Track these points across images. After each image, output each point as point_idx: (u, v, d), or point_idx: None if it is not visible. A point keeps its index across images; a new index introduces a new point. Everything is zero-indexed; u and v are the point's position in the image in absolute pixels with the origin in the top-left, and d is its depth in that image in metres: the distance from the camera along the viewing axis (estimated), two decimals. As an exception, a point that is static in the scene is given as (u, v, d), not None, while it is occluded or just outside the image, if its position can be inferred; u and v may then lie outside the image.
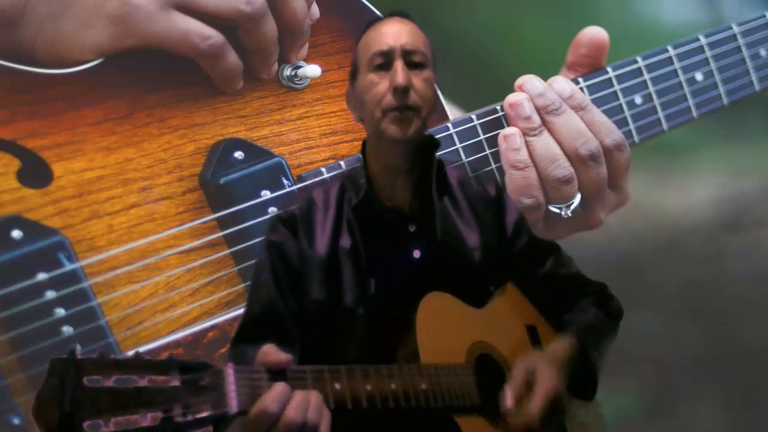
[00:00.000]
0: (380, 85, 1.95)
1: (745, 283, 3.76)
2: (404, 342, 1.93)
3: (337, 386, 1.82)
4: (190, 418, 1.69)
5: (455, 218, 2.05)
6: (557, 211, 2.69)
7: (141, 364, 1.69)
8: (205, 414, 1.70)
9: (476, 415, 1.96)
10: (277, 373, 1.78)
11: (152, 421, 1.66)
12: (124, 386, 1.66)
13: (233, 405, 1.72)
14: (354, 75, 2.02)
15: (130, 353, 1.73)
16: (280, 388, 1.77)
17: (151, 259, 2.39)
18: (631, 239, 3.64)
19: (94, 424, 1.63)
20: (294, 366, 1.81)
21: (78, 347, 1.67)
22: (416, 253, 2.00)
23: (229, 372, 1.74)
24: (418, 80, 1.95)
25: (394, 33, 1.98)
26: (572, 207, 2.70)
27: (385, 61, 1.96)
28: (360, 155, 2.03)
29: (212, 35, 2.44)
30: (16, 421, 2.26)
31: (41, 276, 2.29)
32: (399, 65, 1.95)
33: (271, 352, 1.81)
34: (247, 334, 1.97)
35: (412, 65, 1.96)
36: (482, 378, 1.97)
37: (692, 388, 3.76)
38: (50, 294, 2.29)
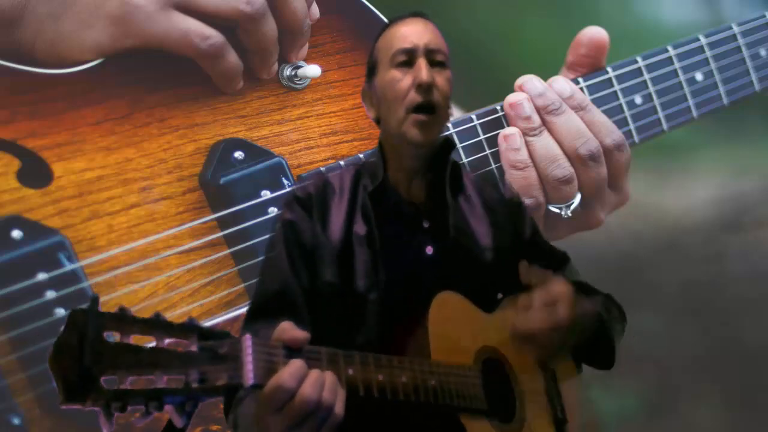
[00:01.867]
0: (403, 82, 1.96)
1: (745, 283, 3.76)
2: (416, 336, 1.93)
3: (351, 371, 1.82)
4: (205, 385, 1.68)
5: (469, 219, 2.05)
6: (557, 211, 2.70)
7: (161, 325, 1.67)
8: (220, 383, 1.69)
9: (481, 417, 1.96)
10: (293, 351, 1.78)
11: (168, 383, 1.65)
12: (143, 346, 1.64)
13: (249, 377, 1.72)
14: (372, 73, 2.02)
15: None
16: (297, 364, 1.76)
17: (151, 259, 2.39)
18: (631, 239, 3.63)
19: (111, 379, 1.61)
20: (309, 346, 1.81)
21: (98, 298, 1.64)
22: (429, 249, 2.01)
23: (247, 344, 1.73)
24: (440, 78, 1.97)
25: (418, 32, 1.99)
26: (572, 207, 2.70)
27: (408, 59, 1.97)
28: (377, 149, 2.04)
29: (212, 35, 2.44)
30: (16, 421, 2.26)
31: (41, 276, 2.29)
32: (423, 63, 1.96)
33: (288, 329, 1.80)
34: (261, 313, 1.96)
35: (434, 64, 1.97)
36: (488, 382, 1.98)
37: (692, 388, 3.76)
38: (50, 294, 2.29)
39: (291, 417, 1.75)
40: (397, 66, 1.97)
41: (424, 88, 1.94)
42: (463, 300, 2.00)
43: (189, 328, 1.69)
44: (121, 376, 1.62)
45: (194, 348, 1.69)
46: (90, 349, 1.59)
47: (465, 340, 2.00)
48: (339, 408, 1.78)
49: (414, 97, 1.95)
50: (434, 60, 1.97)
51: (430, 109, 1.95)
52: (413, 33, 1.98)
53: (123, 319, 1.64)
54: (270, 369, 1.74)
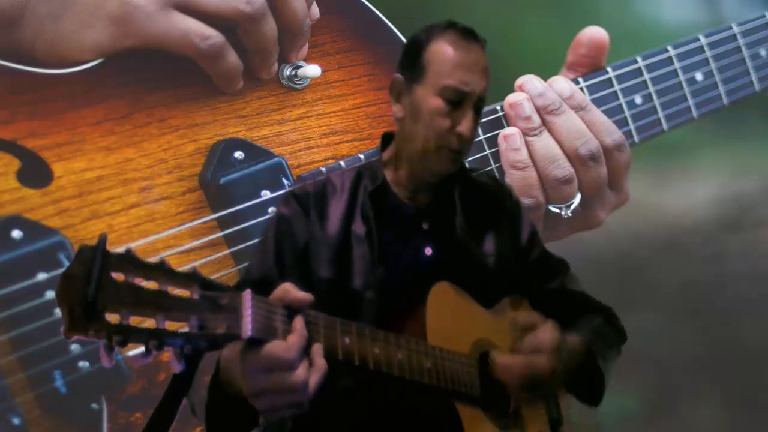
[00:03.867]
0: (445, 121, 1.94)
1: (745, 283, 3.76)
2: (413, 322, 1.94)
3: (347, 341, 1.83)
4: (204, 332, 1.70)
5: (472, 222, 2.05)
6: (557, 211, 2.70)
7: (165, 271, 1.69)
8: (219, 331, 1.71)
9: (475, 405, 1.96)
10: (293, 311, 1.79)
11: (167, 326, 1.67)
12: (147, 287, 1.67)
13: (247, 329, 1.72)
14: (415, 74, 1.97)
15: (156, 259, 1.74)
16: (301, 336, 1.76)
17: (151, 260, 2.38)
18: (631, 239, 3.63)
19: (113, 316, 1.63)
20: (308, 310, 1.81)
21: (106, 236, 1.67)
22: (428, 251, 2.01)
23: (247, 298, 1.74)
24: (475, 124, 1.97)
25: (478, 73, 1.97)
26: (572, 207, 2.70)
27: (458, 100, 1.95)
28: (378, 149, 2.04)
29: (212, 35, 2.44)
30: (16, 421, 2.26)
31: (41, 276, 2.29)
32: (470, 115, 1.95)
33: (291, 290, 1.81)
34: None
35: (476, 110, 1.97)
36: (485, 375, 1.98)
37: (692, 388, 3.76)
38: (50, 294, 2.29)
39: (272, 383, 1.75)
40: (446, 99, 1.95)
41: (464, 139, 1.95)
42: (461, 292, 2.01)
43: (192, 278, 1.72)
44: (123, 314, 1.64)
45: (196, 297, 1.70)
46: (95, 283, 1.62)
47: (462, 330, 2.00)
48: (306, 399, 1.77)
49: (451, 140, 1.95)
50: (478, 107, 1.97)
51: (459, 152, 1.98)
52: (474, 72, 1.96)
53: (129, 261, 1.67)
54: (268, 325, 1.75)
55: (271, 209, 2.48)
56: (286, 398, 1.76)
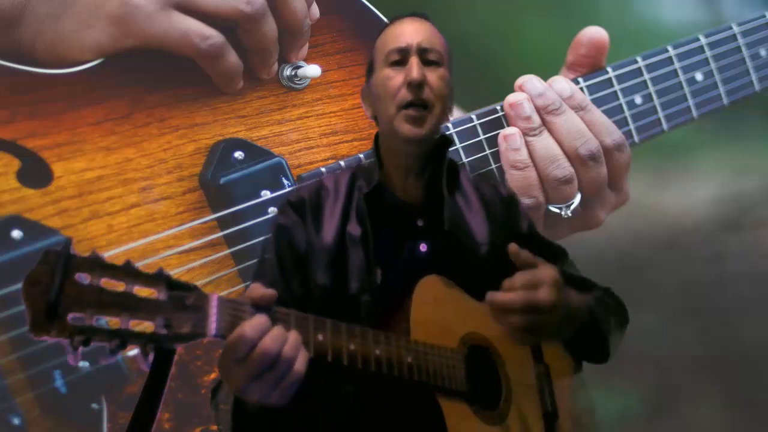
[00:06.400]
0: (395, 80, 1.98)
1: (745, 283, 3.76)
2: (397, 318, 1.94)
3: (320, 337, 1.83)
4: (169, 331, 1.72)
5: (465, 214, 2.06)
6: (557, 211, 2.70)
7: (131, 272, 1.72)
8: (184, 330, 1.73)
9: (460, 400, 1.95)
10: (261, 309, 1.80)
11: (133, 326, 1.70)
12: (112, 289, 1.70)
13: (212, 328, 1.75)
14: (370, 72, 2.04)
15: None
16: (261, 318, 1.78)
17: (151, 259, 2.39)
18: (631, 239, 3.63)
19: (78, 317, 1.66)
20: (279, 307, 1.82)
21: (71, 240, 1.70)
22: (423, 247, 2.01)
23: (214, 297, 1.77)
24: (433, 77, 1.98)
25: (412, 31, 2.01)
26: (572, 207, 2.70)
27: (401, 58, 1.99)
28: (373, 149, 2.05)
29: (212, 35, 2.44)
30: (16, 421, 2.26)
31: (41, 276, 2.29)
32: (414, 61, 1.97)
33: (256, 288, 1.82)
34: None
35: (427, 62, 1.99)
36: (474, 368, 1.97)
37: (692, 388, 3.76)
38: (50, 294, 2.29)
39: (251, 368, 1.76)
40: (391, 65, 1.99)
41: (415, 85, 1.96)
42: (450, 284, 2.01)
43: (158, 278, 1.74)
44: (88, 315, 1.67)
45: (162, 297, 1.73)
46: (57, 286, 1.65)
47: (449, 323, 1.99)
48: (299, 365, 1.78)
49: (405, 94, 1.97)
50: (427, 59, 1.99)
51: (422, 105, 1.96)
52: (407, 32, 2.01)
53: (94, 263, 1.69)
54: (234, 323, 1.77)
55: (271, 209, 2.48)
56: (270, 376, 1.77)
